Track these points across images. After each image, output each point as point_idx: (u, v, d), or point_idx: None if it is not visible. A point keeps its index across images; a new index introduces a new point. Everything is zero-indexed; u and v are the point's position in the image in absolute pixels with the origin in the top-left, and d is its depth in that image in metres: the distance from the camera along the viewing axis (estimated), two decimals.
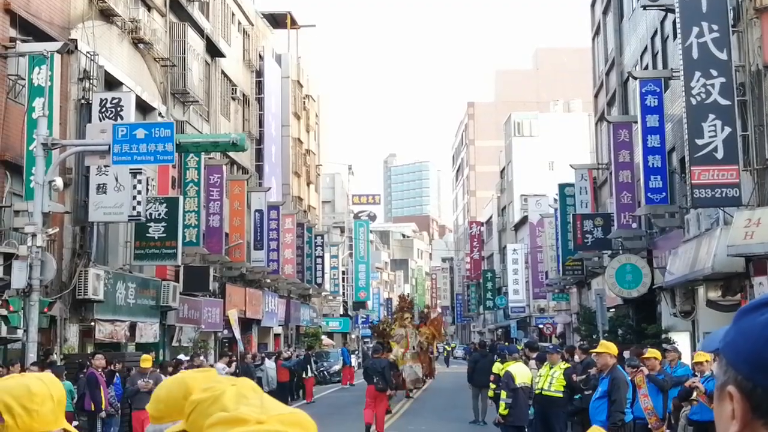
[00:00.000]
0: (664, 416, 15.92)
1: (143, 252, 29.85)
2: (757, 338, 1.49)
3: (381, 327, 39.54)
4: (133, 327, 29.00)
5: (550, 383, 16.16)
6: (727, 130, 21.54)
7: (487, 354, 31.20)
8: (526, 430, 17.69)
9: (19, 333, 21.36)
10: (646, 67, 32.62)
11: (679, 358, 17.68)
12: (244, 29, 47.15)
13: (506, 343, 49.98)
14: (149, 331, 30.34)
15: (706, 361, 14.15)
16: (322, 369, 49.15)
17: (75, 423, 20.79)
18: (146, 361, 19.76)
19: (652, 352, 16.90)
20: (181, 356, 28.66)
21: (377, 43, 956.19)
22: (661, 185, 26.78)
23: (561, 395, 16.02)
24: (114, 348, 27.66)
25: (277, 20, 59.44)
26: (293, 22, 61.21)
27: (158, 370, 20.70)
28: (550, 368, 16.51)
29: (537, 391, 16.47)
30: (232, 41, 44.39)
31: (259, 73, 49.43)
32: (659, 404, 15.74)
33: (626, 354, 19.29)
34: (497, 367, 22.97)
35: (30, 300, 20.42)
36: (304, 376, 38.48)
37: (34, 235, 20.25)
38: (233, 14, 45.08)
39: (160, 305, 31.24)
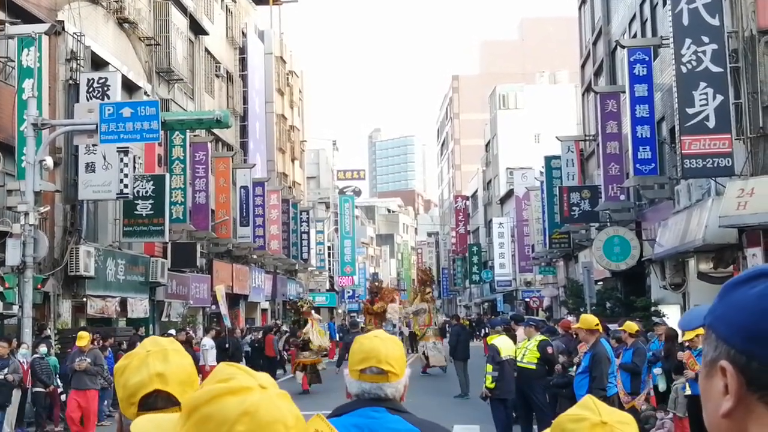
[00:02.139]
0: (632, 390, 16.05)
1: (132, 229, 30.13)
2: (752, 310, 1.49)
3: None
4: (123, 303, 29.45)
5: (524, 354, 16.19)
6: (719, 98, 21.26)
7: (465, 328, 31.56)
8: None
9: (15, 309, 21.81)
10: (635, 36, 32.39)
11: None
12: (226, 6, 47.01)
13: (491, 317, 50.08)
14: (139, 306, 30.76)
15: (696, 336, 14.12)
16: None
17: (64, 397, 20.84)
18: (83, 339, 18.85)
19: (625, 326, 16.97)
20: (171, 331, 28.84)
21: (360, 16, 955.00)
22: (650, 156, 26.55)
23: (534, 367, 16.02)
24: (105, 323, 28.11)
25: None
26: None
27: (96, 348, 20.16)
28: (528, 340, 16.56)
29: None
30: (215, 18, 44.24)
31: (243, 50, 49.32)
32: (627, 379, 15.88)
33: (612, 327, 19.29)
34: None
35: (24, 277, 20.94)
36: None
37: (26, 214, 20.74)
38: None
39: (149, 281, 31.74)
